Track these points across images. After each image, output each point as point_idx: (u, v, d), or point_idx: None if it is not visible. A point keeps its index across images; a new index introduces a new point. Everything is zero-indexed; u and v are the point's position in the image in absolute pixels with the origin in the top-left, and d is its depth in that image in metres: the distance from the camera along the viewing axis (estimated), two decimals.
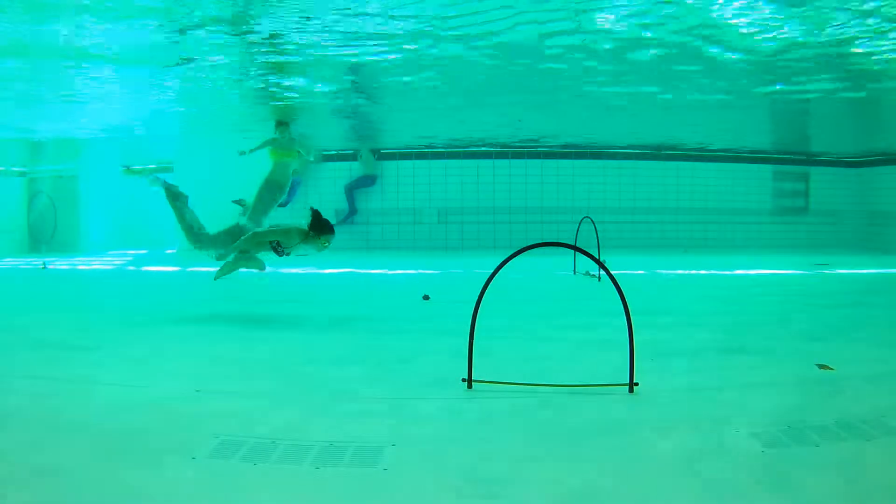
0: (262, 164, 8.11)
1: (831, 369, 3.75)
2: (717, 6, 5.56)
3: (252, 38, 6.29)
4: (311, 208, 6.53)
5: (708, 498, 2.58)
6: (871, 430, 3.21)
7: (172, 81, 8.25)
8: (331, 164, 14.60)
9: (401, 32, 6.17)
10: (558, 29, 6.18)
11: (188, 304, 7.75)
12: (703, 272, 10.35)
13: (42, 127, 11.85)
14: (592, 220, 9.14)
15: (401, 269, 10.91)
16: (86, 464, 2.89)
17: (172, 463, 2.91)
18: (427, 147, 14.49)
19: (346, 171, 14.65)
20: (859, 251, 13.53)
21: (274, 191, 7.77)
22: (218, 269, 6.89)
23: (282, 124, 9.12)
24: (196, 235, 6.89)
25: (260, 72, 7.70)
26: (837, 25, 5.76)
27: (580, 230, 9.12)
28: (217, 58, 7.10)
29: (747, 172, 14.84)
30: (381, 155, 14.62)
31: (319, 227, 6.40)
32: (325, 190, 14.45)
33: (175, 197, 7.01)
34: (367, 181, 14.59)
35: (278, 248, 6.50)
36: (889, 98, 8.77)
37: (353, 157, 14.68)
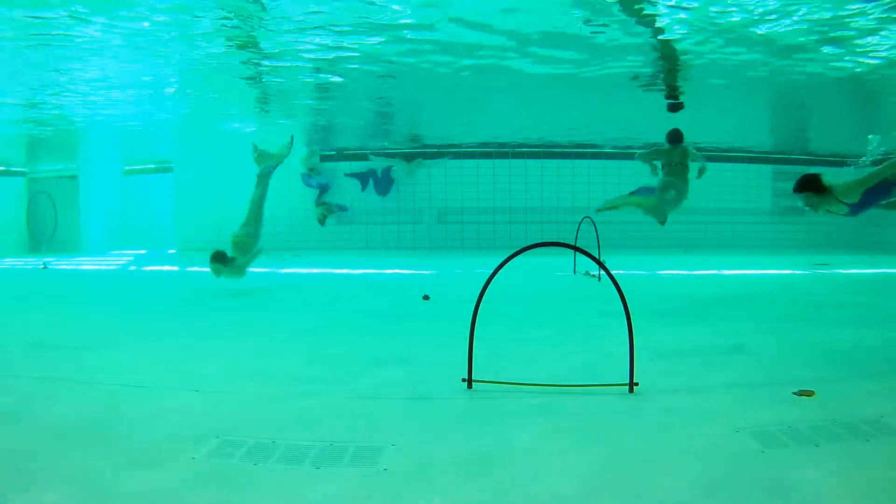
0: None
1: (811, 394, 3.76)
2: None
3: None
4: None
5: (709, 498, 2.58)
6: (871, 430, 3.22)
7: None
8: (329, 164, 14.59)
9: None
10: None
11: (188, 304, 7.75)
12: (702, 272, 10.35)
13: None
14: (592, 220, 9.14)
15: (400, 269, 10.91)
16: (86, 464, 2.89)
17: (172, 463, 2.91)
18: (427, 147, 14.48)
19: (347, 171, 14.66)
20: (859, 251, 13.52)
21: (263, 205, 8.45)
22: None
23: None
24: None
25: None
26: None
27: (580, 230, 9.12)
28: None
29: (747, 172, 14.84)
30: (379, 154, 14.53)
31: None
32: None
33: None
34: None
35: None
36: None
37: (350, 157, 14.67)
